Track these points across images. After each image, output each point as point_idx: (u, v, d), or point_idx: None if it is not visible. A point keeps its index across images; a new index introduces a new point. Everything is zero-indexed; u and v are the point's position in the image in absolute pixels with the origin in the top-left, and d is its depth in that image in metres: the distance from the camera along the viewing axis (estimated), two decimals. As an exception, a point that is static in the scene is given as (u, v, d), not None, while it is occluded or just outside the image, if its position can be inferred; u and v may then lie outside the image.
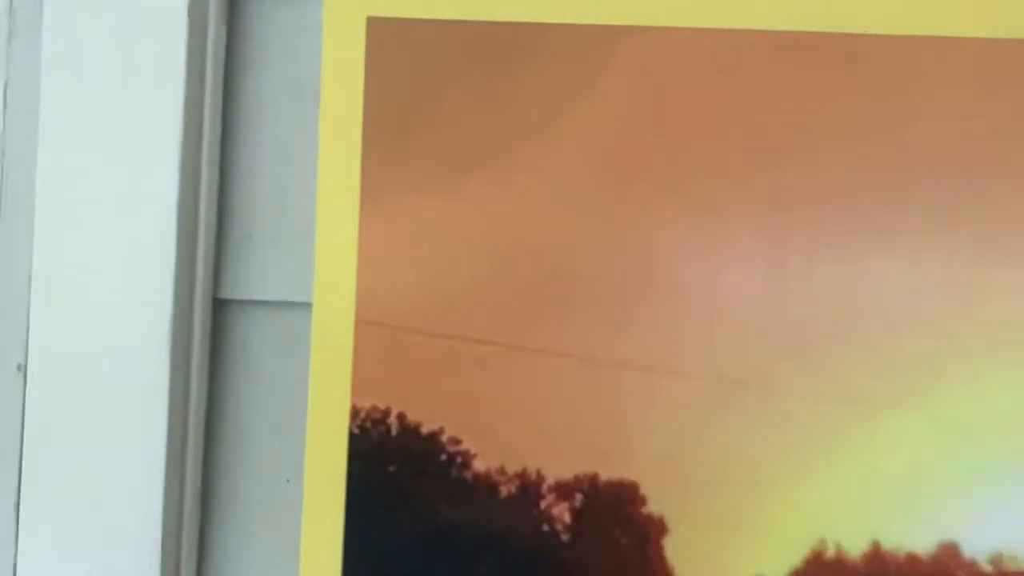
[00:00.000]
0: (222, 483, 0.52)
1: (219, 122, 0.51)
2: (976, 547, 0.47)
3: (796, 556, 0.48)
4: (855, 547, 0.47)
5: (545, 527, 0.48)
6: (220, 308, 0.52)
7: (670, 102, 0.47)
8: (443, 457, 0.49)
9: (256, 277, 0.51)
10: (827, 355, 0.48)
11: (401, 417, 0.49)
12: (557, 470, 0.48)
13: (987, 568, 0.47)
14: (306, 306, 0.50)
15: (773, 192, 0.47)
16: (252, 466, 0.52)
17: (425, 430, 0.49)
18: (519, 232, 0.48)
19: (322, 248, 0.49)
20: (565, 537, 0.48)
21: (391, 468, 0.49)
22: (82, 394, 0.50)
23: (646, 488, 0.48)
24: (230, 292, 0.51)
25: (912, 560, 0.47)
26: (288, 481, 0.51)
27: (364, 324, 0.49)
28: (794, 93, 0.47)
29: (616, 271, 0.48)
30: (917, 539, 0.47)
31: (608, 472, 0.48)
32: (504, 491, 0.49)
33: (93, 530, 0.50)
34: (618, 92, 0.47)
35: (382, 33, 0.48)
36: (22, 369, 0.52)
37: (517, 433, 0.48)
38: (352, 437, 0.49)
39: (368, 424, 0.49)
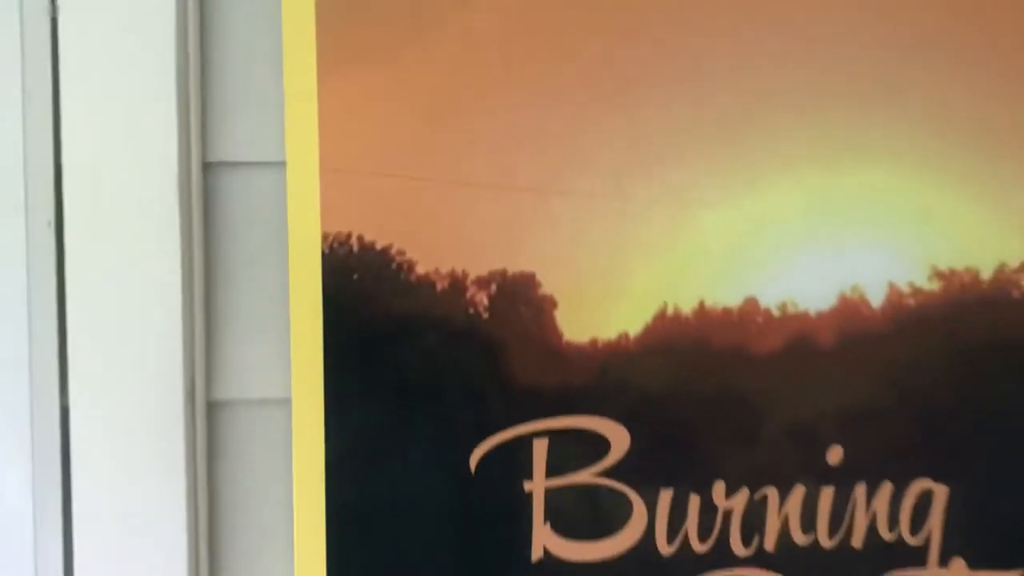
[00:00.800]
0: (222, 302, 0.68)
1: (199, 17, 0.65)
2: (769, 299, 0.68)
3: (647, 315, 0.68)
4: (687, 306, 0.68)
5: (471, 310, 0.67)
6: (209, 170, 0.67)
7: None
8: (393, 265, 0.66)
9: (240, 142, 0.67)
10: (669, 172, 0.67)
11: (360, 238, 0.66)
12: (476, 269, 0.67)
13: (776, 313, 0.68)
14: (280, 164, 0.66)
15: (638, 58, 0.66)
16: (246, 287, 0.68)
17: (379, 246, 0.66)
18: (447, 92, 0.65)
19: (290, 116, 0.65)
20: (485, 316, 0.67)
21: (355, 276, 0.66)
22: (106, 242, 0.65)
23: (540, 276, 0.67)
24: (217, 157, 0.67)
25: (726, 311, 0.68)
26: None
27: (327, 172, 0.65)
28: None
29: (519, 120, 0.66)
30: (729, 297, 0.68)
31: (513, 267, 0.67)
32: (439, 287, 0.67)
33: (124, 353, 0.66)
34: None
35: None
36: (51, 225, 0.66)
37: (447, 244, 0.66)
38: (324, 256, 0.66)
39: (335, 245, 0.66)
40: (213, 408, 0.68)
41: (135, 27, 0.64)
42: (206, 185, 0.67)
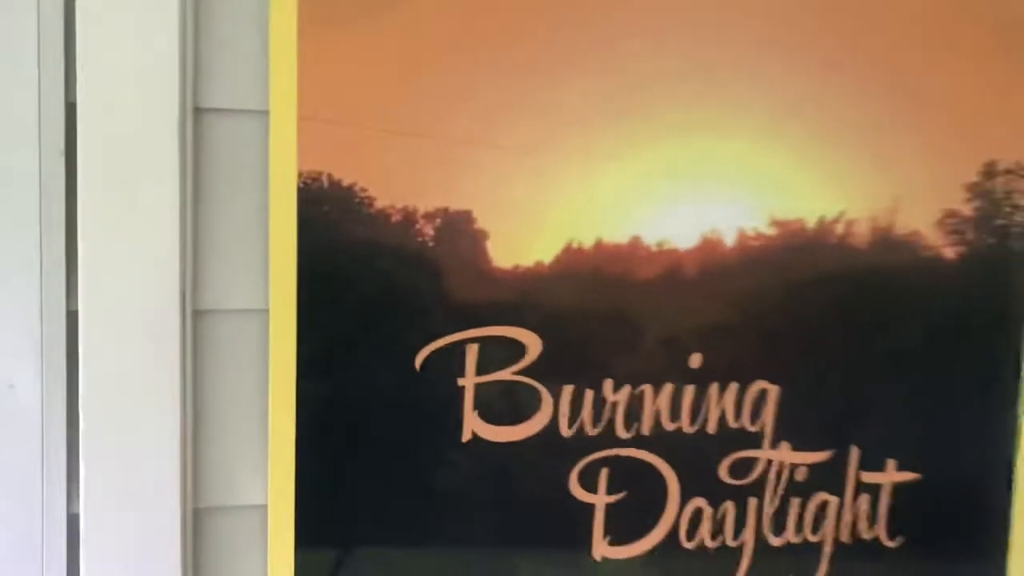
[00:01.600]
0: (211, 228, 0.81)
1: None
2: (649, 238, 0.87)
3: (557, 247, 0.85)
4: (588, 241, 0.86)
5: (419, 239, 0.83)
6: (201, 115, 0.80)
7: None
8: (356, 200, 0.81)
9: (229, 91, 0.80)
10: (579, 135, 0.85)
11: (329, 176, 0.81)
12: (425, 205, 0.83)
13: (654, 249, 0.87)
14: (264, 112, 0.79)
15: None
16: (232, 216, 0.81)
17: (345, 183, 0.81)
18: (409, 56, 0.80)
19: (274, 71, 0.79)
20: (431, 244, 0.83)
21: (324, 208, 0.81)
22: (111, 171, 0.77)
23: (476, 213, 0.84)
24: (209, 104, 0.80)
25: (617, 246, 0.87)
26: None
27: (304, 119, 0.80)
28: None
29: (466, 85, 0.82)
30: (619, 235, 0.87)
31: (454, 205, 0.83)
32: (394, 219, 0.82)
33: (125, 266, 0.78)
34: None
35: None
36: (63, 154, 0.78)
37: (401, 184, 0.82)
38: (299, 190, 0.80)
39: (309, 181, 0.80)
40: (200, 316, 0.81)
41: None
42: (198, 127, 0.80)
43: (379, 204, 0.82)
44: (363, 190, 0.82)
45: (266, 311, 0.81)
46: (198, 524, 0.83)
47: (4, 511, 0.80)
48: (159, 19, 0.76)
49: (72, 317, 0.79)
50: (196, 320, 0.81)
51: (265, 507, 0.83)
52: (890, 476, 0.95)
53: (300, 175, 0.80)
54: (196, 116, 0.80)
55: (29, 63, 0.77)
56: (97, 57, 0.76)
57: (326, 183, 0.81)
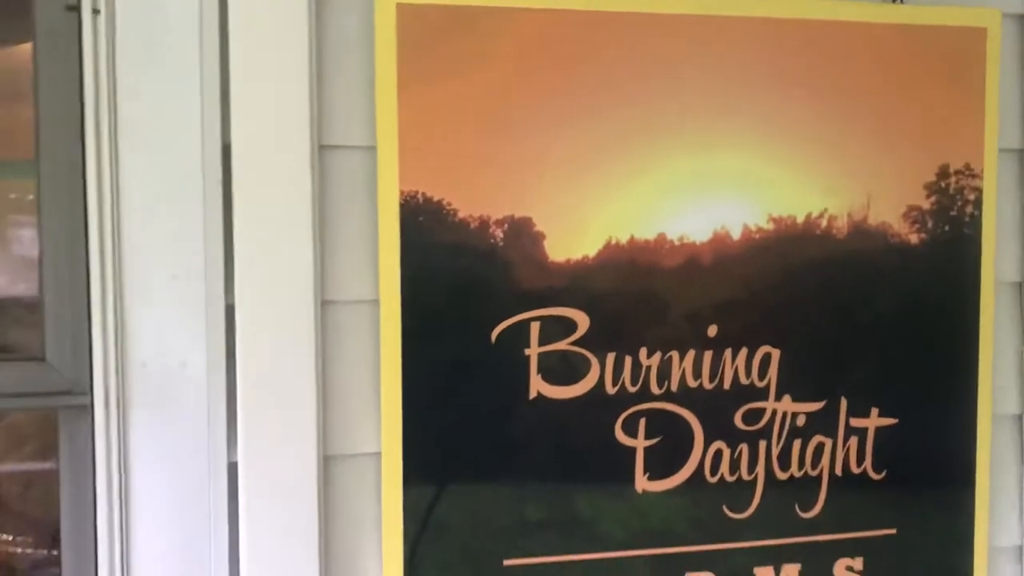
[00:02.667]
0: (335, 235, 1.05)
1: (318, 50, 1.02)
2: (672, 234, 1.10)
3: (600, 244, 1.09)
4: (623, 238, 1.09)
5: (492, 240, 1.06)
6: (324, 150, 1.04)
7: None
8: (443, 212, 1.05)
9: (346, 132, 1.04)
10: (614, 157, 1.08)
11: (423, 194, 1.04)
12: (497, 213, 1.06)
13: (676, 243, 1.10)
14: (372, 148, 1.03)
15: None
16: (351, 226, 1.05)
17: (435, 199, 1.04)
18: (483, 102, 1.04)
19: (380, 114, 1.03)
20: (501, 244, 1.06)
21: (420, 218, 1.04)
22: (259, 191, 1.01)
23: (535, 219, 1.07)
24: (330, 142, 1.04)
25: (646, 241, 1.10)
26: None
27: (403, 151, 1.03)
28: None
29: (526, 124, 1.05)
30: (648, 232, 1.10)
31: (518, 213, 1.06)
32: (472, 225, 1.06)
33: (271, 265, 1.01)
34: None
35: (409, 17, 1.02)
36: (220, 184, 1.01)
37: (477, 198, 1.05)
38: (400, 205, 1.04)
39: (408, 198, 1.04)
40: (327, 305, 1.05)
41: (283, 43, 1.00)
42: (323, 160, 1.04)
43: (461, 214, 1.05)
44: (449, 204, 1.05)
45: (377, 300, 1.05)
46: (327, 470, 1.06)
47: (179, 462, 1.04)
48: (293, 77, 1.00)
49: (230, 310, 1.02)
50: (324, 309, 1.05)
51: (379, 454, 1.06)
52: (874, 421, 1.18)
53: (401, 193, 1.04)
54: (321, 152, 1.04)
55: (194, 112, 1.01)
56: (246, 108, 1.00)
57: (421, 199, 1.04)
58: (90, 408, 1.01)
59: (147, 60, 1.00)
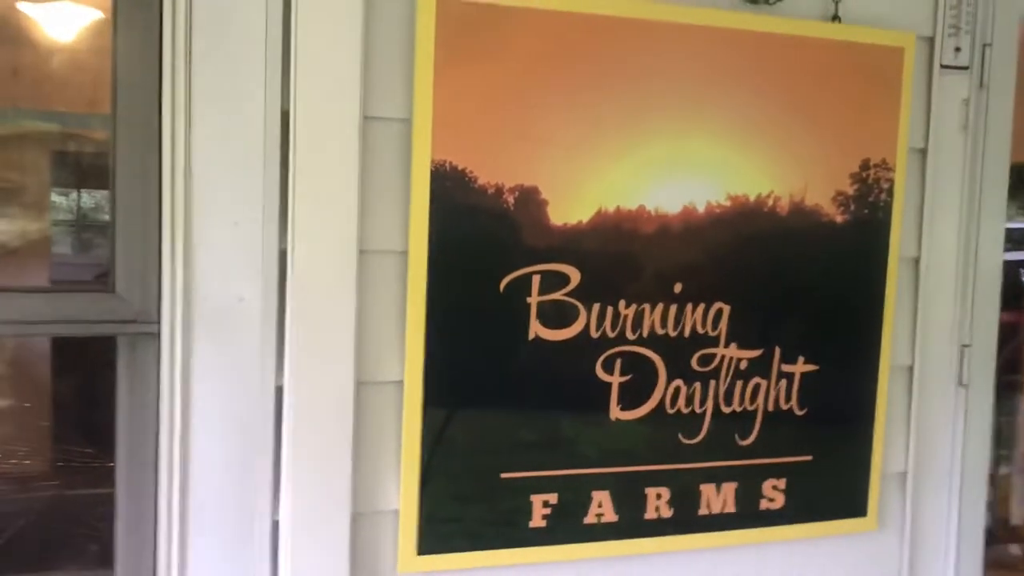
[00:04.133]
0: (373, 196, 1.22)
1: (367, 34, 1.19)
2: (650, 206, 1.32)
3: (592, 211, 1.30)
4: (611, 208, 1.31)
5: (504, 205, 1.26)
6: (367, 121, 1.21)
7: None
8: (466, 179, 1.24)
9: (387, 105, 1.21)
10: (607, 139, 1.29)
11: (450, 162, 1.23)
12: (510, 182, 1.26)
13: (653, 213, 1.33)
14: (408, 120, 1.21)
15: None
16: (389, 189, 1.22)
17: (460, 167, 1.23)
18: (506, 87, 1.23)
19: (417, 92, 1.20)
20: (512, 208, 1.26)
21: (447, 183, 1.23)
22: (314, 158, 1.17)
23: (541, 188, 1.27)
24: (373, 114, 1.21)
25: (629, 211, 1.32)
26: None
27: (436, 126, 1.21)
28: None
29: (542, 107, 1.25)
30: (631, 204, 1.32)
31: (527, 183, 1.26)
32: (489, 191, 1.25)
33: (319, 218, 1.18)
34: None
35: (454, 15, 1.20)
36: (279, 161, 1.18)
37: (494, 168, 1.25)
38: (431, 172, 1.22)
39: (438, 166, 1.22)
40: (364, 254, 1.22)
41: (340, 25, 1.16)
42: (366, 129, 1.21)
43: (480, 181, 1.25)
44: (471, 172, 1.24)
45: (405, 252, 1.23)
46: (358, 394, 1.24)
47: (233, 387, 1.20)
48: (347, 56, 1.17)
49: (282, 254, 1.19)
50: (362, 257, 1.22)
51: (401, 383, 1.25)
52: (800, 367, 1.44)
53: (432, 161, 1.22)
54: (365, 122, 1.21)
55: (257, 82, 1.17)
56: (304, 79, 1.16)
57: (448, 167, 1.23)
58: (156, 335, 1.17)
59: (219, 32, 1.15)
